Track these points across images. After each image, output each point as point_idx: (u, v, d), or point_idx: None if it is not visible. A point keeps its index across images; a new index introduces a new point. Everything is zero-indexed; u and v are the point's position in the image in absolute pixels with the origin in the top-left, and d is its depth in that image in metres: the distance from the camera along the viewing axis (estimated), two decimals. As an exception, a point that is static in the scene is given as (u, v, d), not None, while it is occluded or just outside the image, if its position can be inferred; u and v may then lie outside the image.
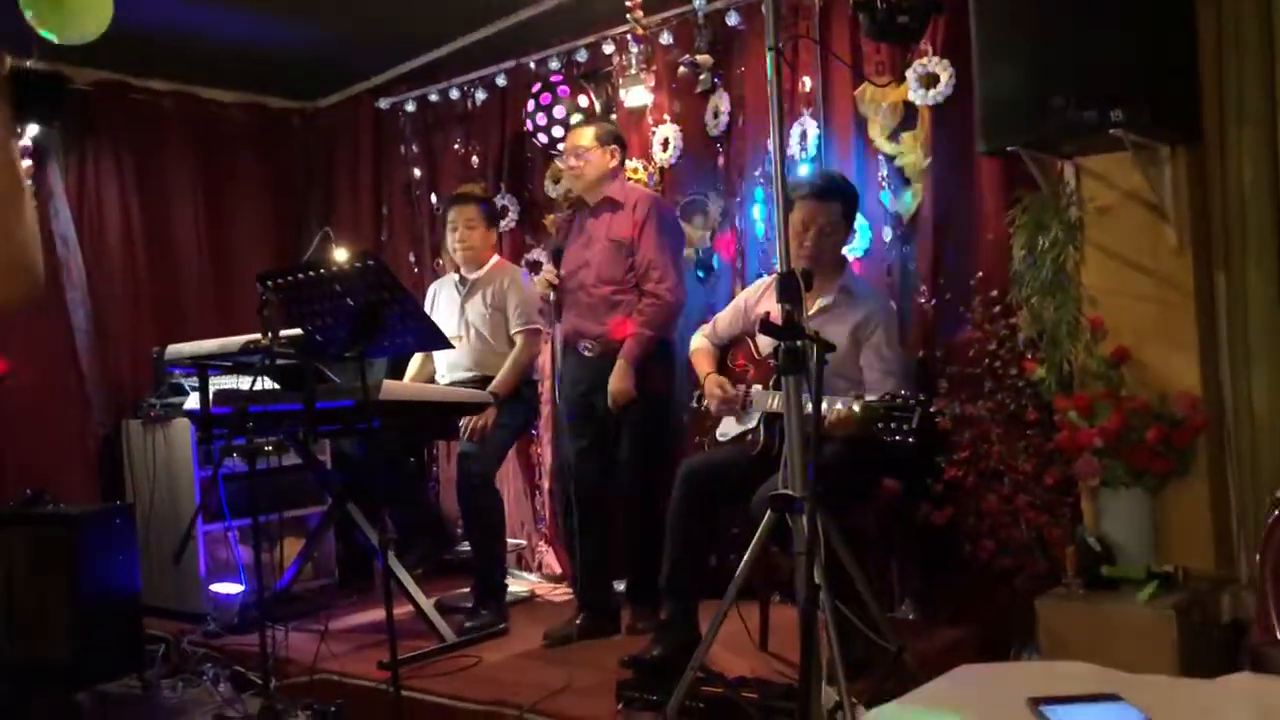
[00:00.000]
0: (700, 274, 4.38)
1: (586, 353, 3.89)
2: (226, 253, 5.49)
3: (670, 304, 3.84)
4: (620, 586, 4.06)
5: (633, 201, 3.91)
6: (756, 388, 3.42)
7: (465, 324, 4.35)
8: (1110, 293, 3.20)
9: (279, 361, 3.57)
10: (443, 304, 4.46)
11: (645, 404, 3.83)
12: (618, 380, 3.77)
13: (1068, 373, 3.24)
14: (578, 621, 3.88)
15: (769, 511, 2.68)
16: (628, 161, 4.50)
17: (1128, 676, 1.76)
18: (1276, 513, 1.91)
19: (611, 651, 3.61)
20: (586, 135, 3.94)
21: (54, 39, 3.33)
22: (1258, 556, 1.92)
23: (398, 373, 4.42)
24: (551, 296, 3.89)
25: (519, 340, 4.26)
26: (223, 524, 4.38)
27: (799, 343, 2.56)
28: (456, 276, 4.45)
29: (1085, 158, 3.21)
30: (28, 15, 3.30)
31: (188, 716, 3.70)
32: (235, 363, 3.97)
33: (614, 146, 3.96)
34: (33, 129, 4.56)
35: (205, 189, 5.44)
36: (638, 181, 4.45)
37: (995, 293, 3.51)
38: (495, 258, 4.47)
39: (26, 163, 4.47)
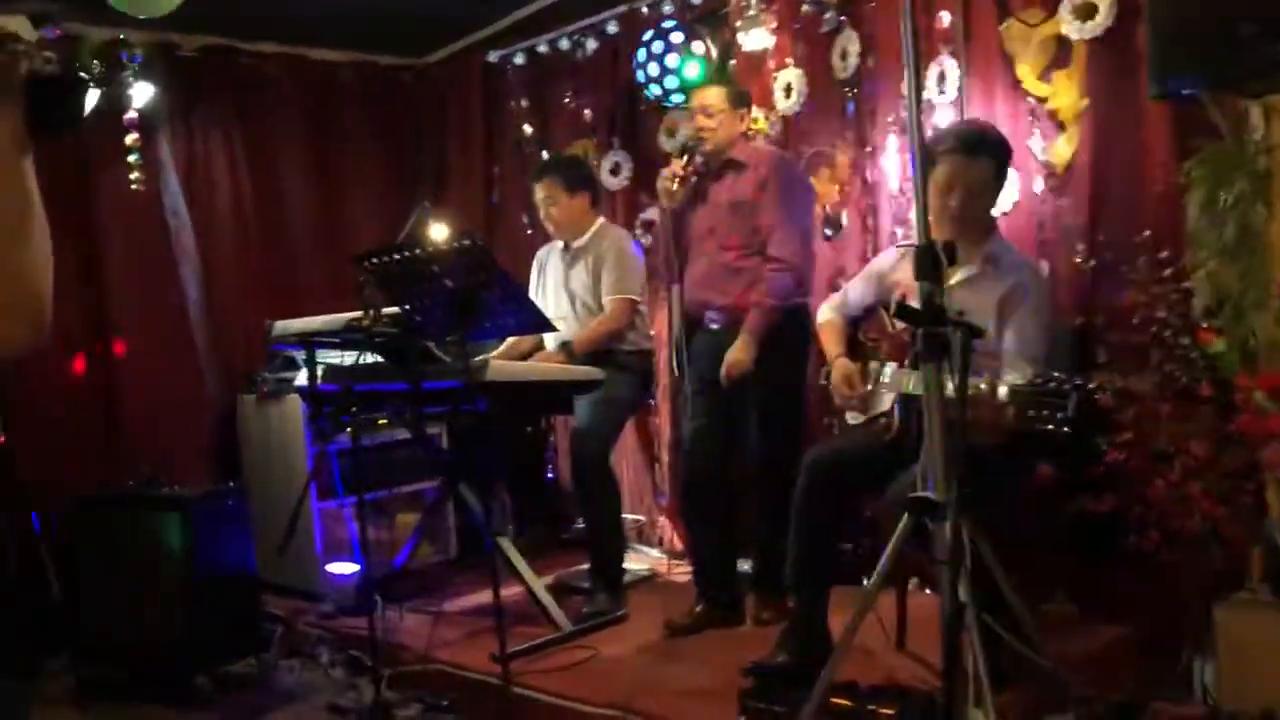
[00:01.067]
0: (829, 233, 4.06)
1: (713, 325, 3.65)
2: (338, 218, 5.39)
3: (797, 269, 3.57)
4: (745, 566, 3.84)
5: (756, 162, 3.63)
6: (890, 366, 3.10)
7: (570, 295, 4.14)
8: (1306, 253, 2.77)
9: (382, 340, 3.44)
10: (549, 274, 4.26)
11: (776, 378, 3.57)
12: (737, 352, 3.51)
13: (1253, 347, 2.83)
14: (697, 609, 3.68)
15: (906, 514, 2.40)
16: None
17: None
18: None
19: (735, 646, 3.40)
20: (718, 94, 3.67)
21: (125, 10, 3.21)
22: None
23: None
24: (676, 188, 3.58)
25: (608, 306, 4.02)
26: (336, 501, 4.32)
27: (941, 328, 2.25)
28: (562, 244, 4.23)
29: (1277, 97, 2.77)
30: None
31: (303, 703, 3.65)
32: (341, 340, 3.84)
33: (744, 110, 3.71)
34: (141, 97, 4.49)
35: (316, 153, 5.35)
36: (758, 131, 4.13)
37: (1165, 254, 3.11)
38: (598, 222, 4.21)
39: (133, 135, 4.42)
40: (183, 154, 4.86)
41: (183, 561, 3.73)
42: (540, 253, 4.41)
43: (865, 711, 2.67)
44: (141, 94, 4.45)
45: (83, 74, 1.52)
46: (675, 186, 3.59)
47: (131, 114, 4.43)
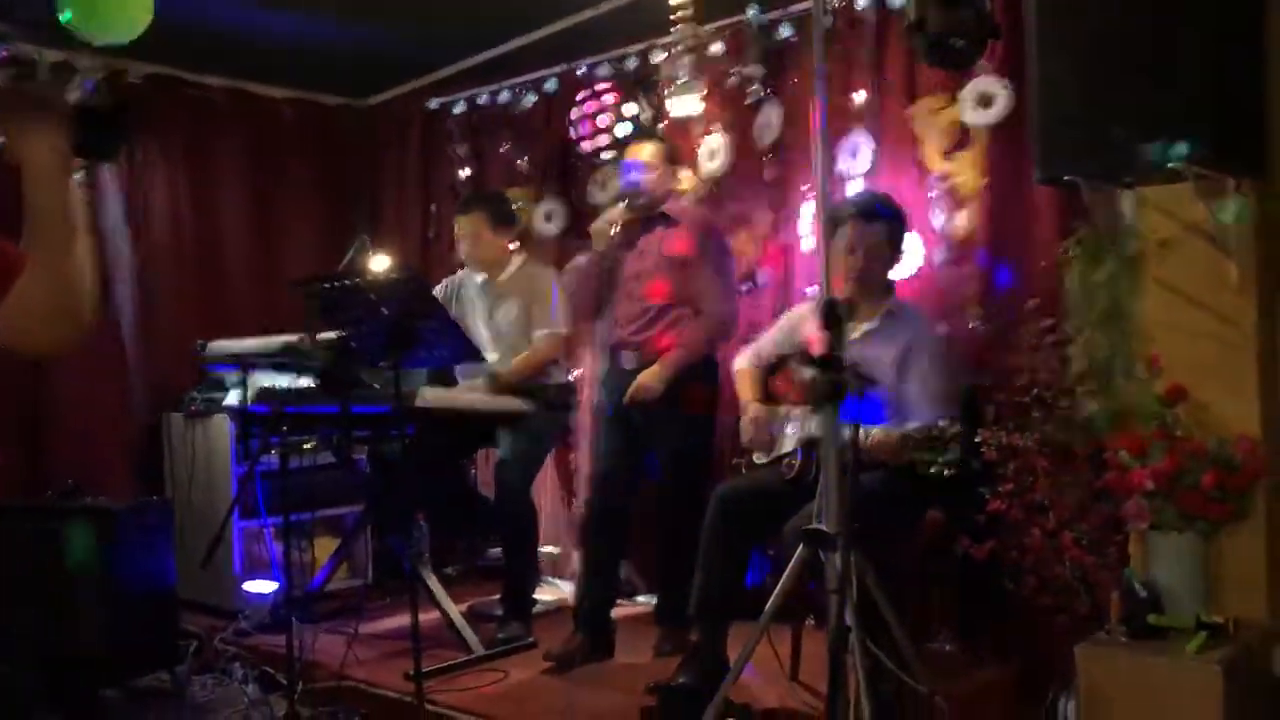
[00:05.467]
0: (745, 288, 4.30)
1: (627, 365, 3.83)
2: (274, 247, 5.52)
3: (728, 327, 3.84)
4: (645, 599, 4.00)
5: (689, 220, 3.86)
6: (796, 411, 3.34)
7: (495, 330, 4.27)
8: (1168, 329, 3.07)
9: (316, 364, 3.57)
10: (467, 307, 4.36)
11: (686, 421, 3.77)
12: (650, 378, 3.69)
13: (1120, 410, 3.13)
14: (577, 639, 3.76)
15: (801, 546, 2.62)
16: (676, 170, 4.46)
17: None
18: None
19: (639, 672, 3.56)
20: (653, 150, 3.90)
21: (92, 41, 3.37)
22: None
23: (438, 374, 4.37)
24: (613, 233, 3.76)
25: (542, 340, 4.18)
26: (259, 521, 4.40)
27: (839, 375, 2.49)
28: (480, 278, 4.36)
29: (1145, 188, 3.09)
30: (64, 19, 3.34)
31: (215, 716, 3.71)
32: (274, 362, 3.96)
33: (676, 166, 3.96)
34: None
35: (255, 184, 5.47)
36: (684, 192, 4.39)
37: (1048, 321, 3.40)
38: (519, 259, 4.37)
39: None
40: (125, 176, 4.95)
41: (100, 573, 3.78)
42: (447, 285, 4.45)
43: (757, 731, 2.87)
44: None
45: (125, 107, 1.70)
46: (613, 231, 3.77)
47: (76, 134, 4.52)
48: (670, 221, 3.85)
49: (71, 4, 3.43)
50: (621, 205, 3.81)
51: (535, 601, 4.19)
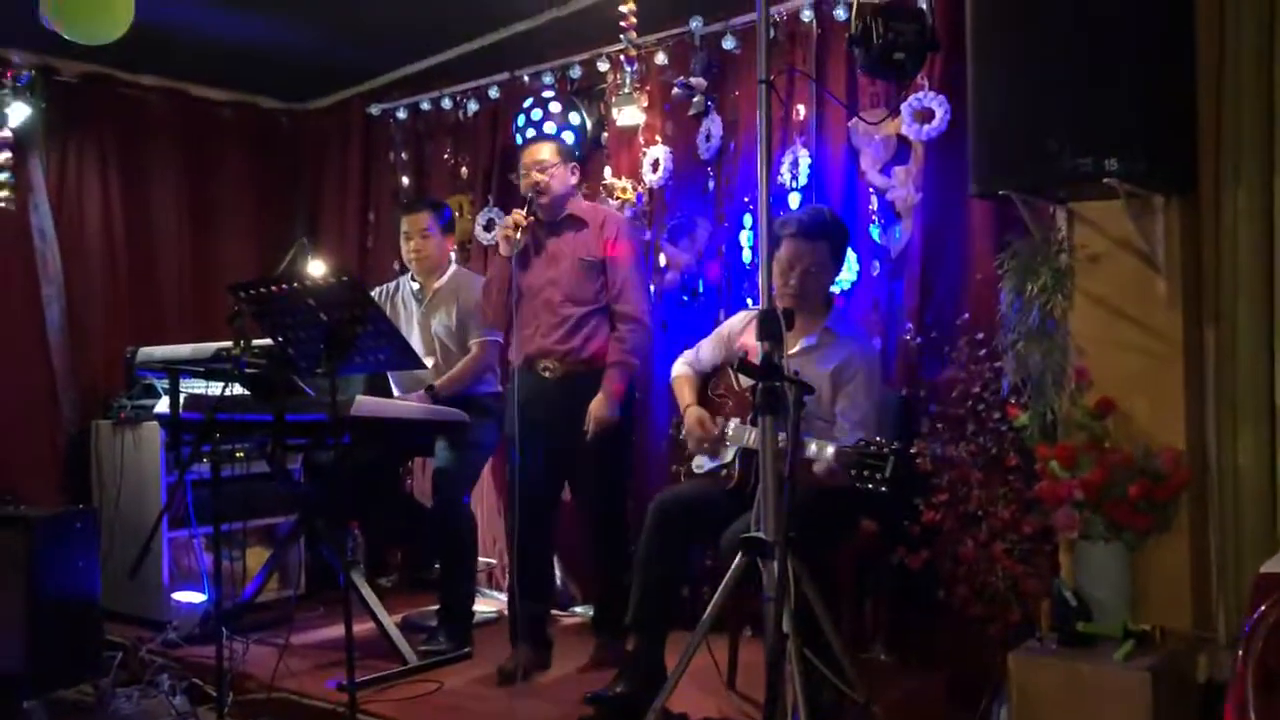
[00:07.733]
0: (685, 298, 4.32)
1: (546, 374, 3.74)
2: (209, 253, 5.44)
3: (650, 328, 3.82)
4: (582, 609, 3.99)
5: (599, 220, 3.80)
6: (734, 421, 3.35)
7: (433, 338, 4.22)
8: (1098, 342, 3.14)
9: (250, 371, 3.50)
10: (402, 315, 4.31)
11: (613, 430, 3.70)
12: (602, 410, 3.63)
13: (1051, 421, 3.18)
14: (518, 651, 3.70)
15: (740, 554, 2.62)
16: (617, 181, 4.47)
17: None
18: (1262, 608, 1.77)
19: (576, 682, 3.54)
20: (549, 149, 3.82)
21: (65, 34, 3.29)
22: (1239, 653, 1.81)
23: (375, 385, 4.33)
24: (519, 237, 3.62)
25: (475, 347, 4.15)
26: (188, 530, 4.31)
27: (777, 384, 2.51)
28: (415, 285, 4.31)
29: (1078, 203, 3.16)
30: (49, 19, 3.26)
31: (141, 729, 3.63)
32: (206, 369, 3.88)
33: (574, 164, 3.87)
34: (17, 117, 4.51)
35: (190, 187, 5.39)
36: (626, 202, 4.40)
37: (981, 335, 3.45)
38: (453, 266, 4.35)
39: (5, 154, 4.40)
40: (55, 177, 4.86)
41: (21, 584, 3.68)
42: (382, 292, 4.38)
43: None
44: (17, 114, 4.46)
45: None
46: (518, 235, 3.63)
47: (5, 133, 4.44)
48: (579, 224, 3.79)
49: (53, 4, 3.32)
50: (524, 210, 3.68)
51: (473, 613, 4.13)
